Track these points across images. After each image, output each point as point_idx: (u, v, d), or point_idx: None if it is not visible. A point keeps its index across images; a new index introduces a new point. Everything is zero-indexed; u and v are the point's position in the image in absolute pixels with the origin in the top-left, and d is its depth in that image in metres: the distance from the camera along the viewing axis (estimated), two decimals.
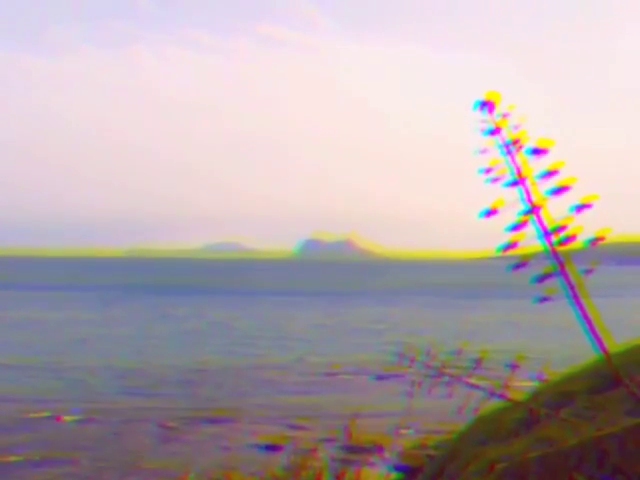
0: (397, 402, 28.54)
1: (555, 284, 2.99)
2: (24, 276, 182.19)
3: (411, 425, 26.21)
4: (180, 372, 41.85)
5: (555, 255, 2.98)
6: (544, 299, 3.03)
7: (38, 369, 42.34)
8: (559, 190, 2.95)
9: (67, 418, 29.92)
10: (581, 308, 2.97)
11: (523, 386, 5.28)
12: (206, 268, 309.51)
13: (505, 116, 2.98)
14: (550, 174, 2.95)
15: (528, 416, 5.57)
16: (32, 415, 30.23)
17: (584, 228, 2.96)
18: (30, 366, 43.31)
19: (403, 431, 25.76)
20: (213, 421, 29.92)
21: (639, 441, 3.86)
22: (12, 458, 24.14)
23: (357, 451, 22.38)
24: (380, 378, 40.00)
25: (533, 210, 2.97)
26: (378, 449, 23.67)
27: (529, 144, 2.97)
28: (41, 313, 79.16)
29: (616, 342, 3.12)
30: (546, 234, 2.97)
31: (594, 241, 2.93)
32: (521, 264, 3.01)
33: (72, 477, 22.71)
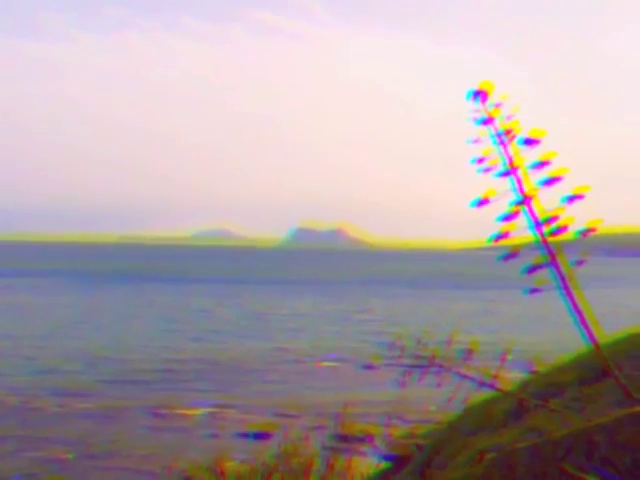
0: (386, 391, 28.59)
1: (546, 275, 2.98)
2: (15, 262, 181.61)
3: (401, 414, 26.27)
4: (162, 361, 41.71)
5: (546, 246, 2.97)
6: (535, 290, 3.02)
7: (17, 356, 42.10)
8: (551, 181, 2.94)
9: (50, 409, 29.74)
10: (571, 299, 2.96)
11: (512, 377, 5.29)
12: (196, 255, 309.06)
13: (498, 106, 2.97)
14: (542, 165, 2.94)
15: (517, 407, 5.58)
16: (15, 404, 30.06)
17: (575, 219, 2.95)
18: (9, 353, 43.06)
19: (394, 420, 25.82)
20: (200, 409, 29.92)
21: (627, 432, 3.87)
22: None
23: (348, 440, 22.43)
24: (368, 367, 40.07)
25: (525, 200, 2.96)
26: (369, 438, 23.74)
27: (521, 134, 2.96)
28: (25, 299, 78.94)
29: (606, 333, 3.12)
30: (537, 225, 2.96)
31: (585, 232, 2.92)
32: (512, 255, 3.00)
33: (58, 467, 22.65)
